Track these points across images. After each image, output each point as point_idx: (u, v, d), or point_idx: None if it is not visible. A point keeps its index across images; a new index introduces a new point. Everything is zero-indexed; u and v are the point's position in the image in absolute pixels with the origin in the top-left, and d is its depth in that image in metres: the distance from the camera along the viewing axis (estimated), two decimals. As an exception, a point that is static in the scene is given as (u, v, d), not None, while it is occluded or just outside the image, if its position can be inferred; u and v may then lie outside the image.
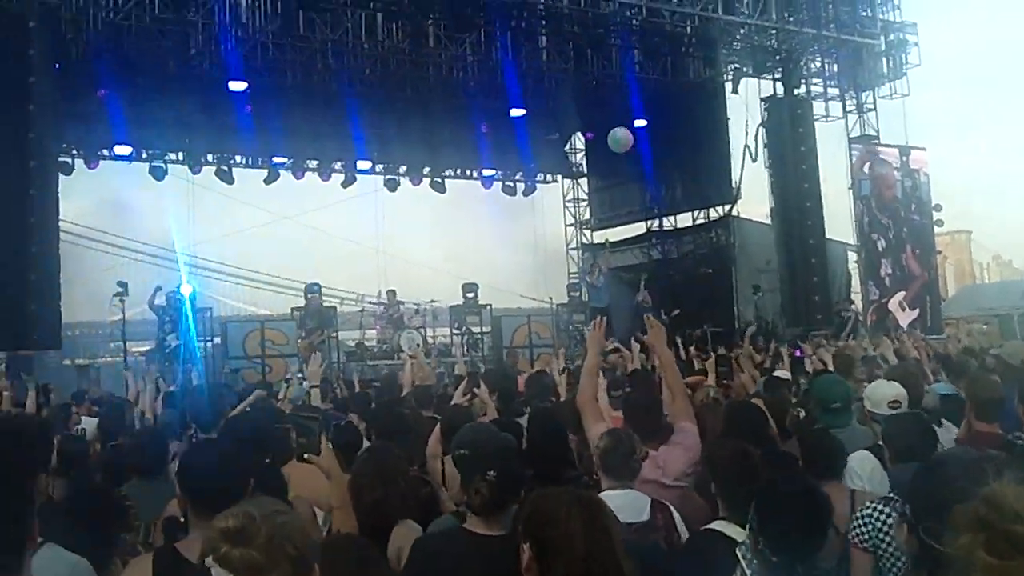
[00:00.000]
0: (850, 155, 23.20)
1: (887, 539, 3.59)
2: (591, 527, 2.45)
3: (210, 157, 21.55)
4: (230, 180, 21.75)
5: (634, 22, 19.79)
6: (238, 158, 22.11)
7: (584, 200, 27.70)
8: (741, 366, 8.27)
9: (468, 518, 3.51)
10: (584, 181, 27.57)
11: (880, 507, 3.69)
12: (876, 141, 24.05)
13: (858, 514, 3.78)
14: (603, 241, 25.82)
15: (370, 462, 4.08)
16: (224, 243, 28.73)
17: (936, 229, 25.12)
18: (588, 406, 5.16)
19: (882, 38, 23.36)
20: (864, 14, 22.50)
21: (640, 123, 22.21)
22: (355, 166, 22.96)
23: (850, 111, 24.24)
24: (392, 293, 21.19)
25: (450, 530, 3.72)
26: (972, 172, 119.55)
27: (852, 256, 23.69)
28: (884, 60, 24.06)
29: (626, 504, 3.91)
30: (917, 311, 23.23)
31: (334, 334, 19.61)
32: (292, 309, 21.51)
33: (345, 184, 23.09)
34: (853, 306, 22.62)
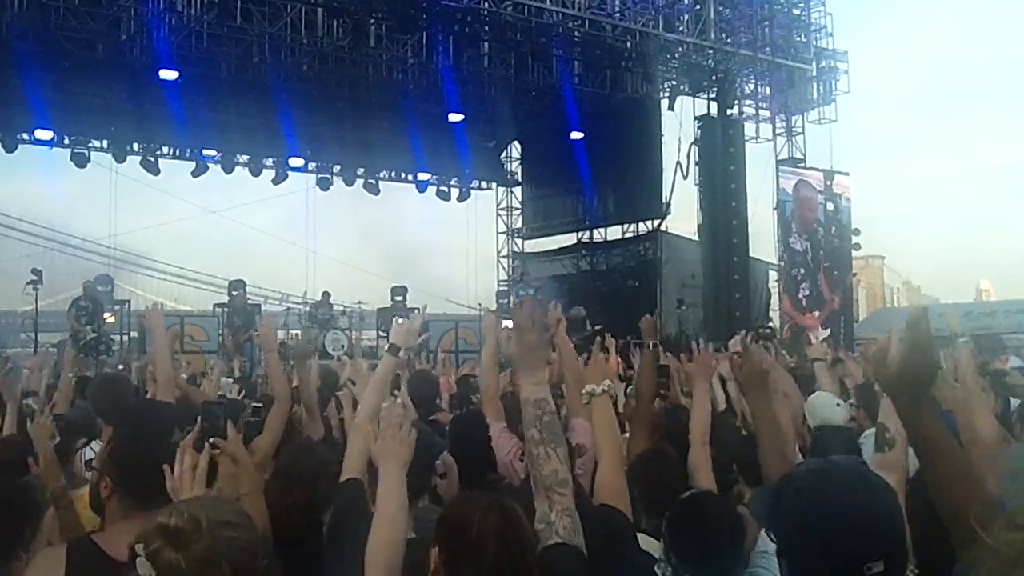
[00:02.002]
0: (777, 177, 23.57)
1: None
2: (503, 535, 2.39)
3: (136, 147, 21.01)
4: (156, 171, 21.21)
5: (576, 34, 19.87)
6: (165, 149, 21.60)
7: (517, 209, 27.71)
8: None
9: None
10: (518, 190, 27.59)
11: None
12: (803, 164, 24.49)
13: None
14: (533, 251, 25.85)
15: (297, 461, 3.98)
16: (147, 235, 28.22)
17: (853, 252, 25.67)
18: (488, 404, 5.03)
19: (814, 64, 23.83)
20: (798, 39, 22.95)
21: (576, 135, 22.38)
22: (287, 163, 22.58)
23: (779, 133, 24.64)
24: (326, 294, 20.92)
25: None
26: (889, 199, 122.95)
27: (773, 275, 24.07)
28: (815, 85, 24.57)
29: None
30: (828, 331, 23.67)
31: (257, 332, 19.26)
32: (215, 305, 21.08)
33: (276, 181, 22.70)
34: (771, 323, 23.00)
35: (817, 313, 23.87)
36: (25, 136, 19.94)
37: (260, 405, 4.98)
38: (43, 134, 19.77)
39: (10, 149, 19.71)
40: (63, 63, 18.11)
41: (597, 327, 19.89)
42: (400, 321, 4.04)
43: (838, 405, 5.61)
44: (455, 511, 2.54)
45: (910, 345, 2.12)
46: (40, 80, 18.12)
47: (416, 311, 4.48)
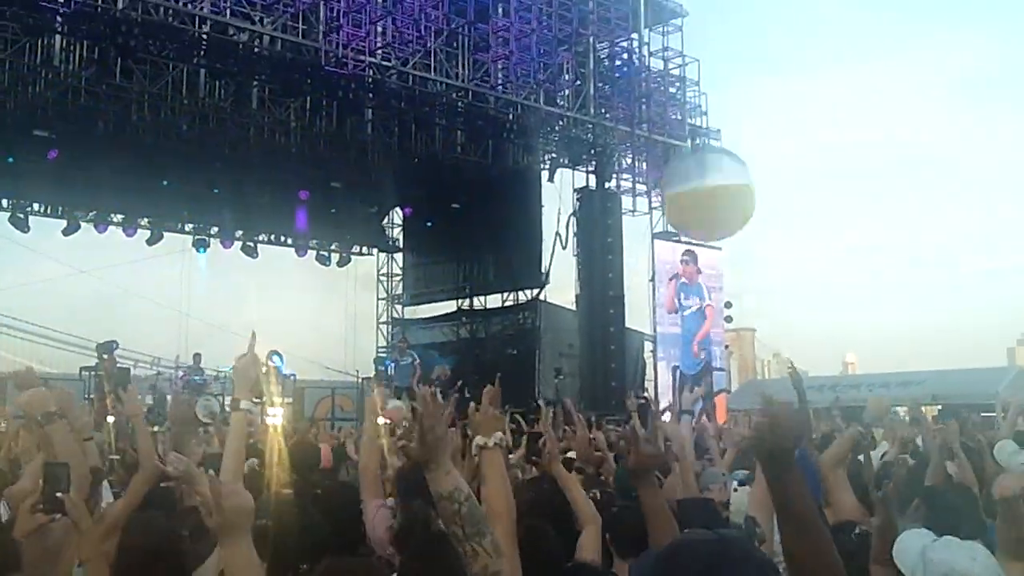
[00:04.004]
0: (652, 249, 24.19)
1: None
2: None
3: (5, 202, 20.32)
4: (25, 228, 20.50)
5: (459, 104, 20.25)
6: (36, 205, 20.91)
7: (398, 275, 27.71)
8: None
9: None
10: (399, 256, 27.62)
11: None
12: (677, 238, 25.21)
13: None
14: (414, 317, 25.83)
15: (142, 534, 3.85)
16: (11, 294, 26.97)
17: (725, 325, 26.39)
18: (367, 481, 5.00)
19: (689, 141, 24.72)
20: (674, 117, 23.83)
21: (457, 204, 22.69)
22: (163, 223, 22.12)
23: (655, 207, 25.34)
24: (197, 356, 20.41)
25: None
26: (761, 273, 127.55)
27: (648, 345, 24.55)
28: (689, 161, 25.47)
29: None
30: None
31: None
32: (81, 369, 20.34)
33: (151, 241, 22.16)
34: (646, 393, 23.40)
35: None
36: None
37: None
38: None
39: None
40: (-70, 116, 17.50)
41: (458, 383, 19.92)
42: (235, 366, 3.71)
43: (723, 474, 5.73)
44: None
45: (770, 420, 2.22)
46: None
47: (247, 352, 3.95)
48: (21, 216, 20.32)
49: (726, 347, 28.37)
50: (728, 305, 26.03)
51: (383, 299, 27.79)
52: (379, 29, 18.04)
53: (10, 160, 18.98)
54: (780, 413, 2.23)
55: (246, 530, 2.61)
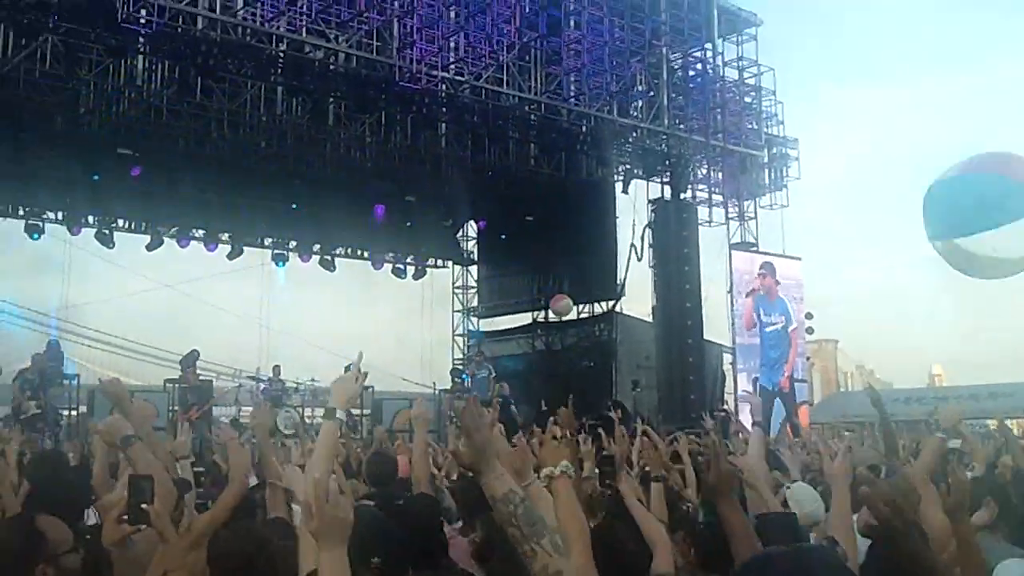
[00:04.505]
0: (730, 260, 23.91)
1: None
2: None
3: (91, 219, 20.91)
4: (111, 244, 21.09)
5: (532, 117, 20.25)
6: (121, 222, 21.50)
7: (473, 287, 27.83)
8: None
9: None
10: (474, 268, 27.74)
11: None
12: (755, 248, 24.88)
13: None
14: (489, 329, 25.90)
15: (235, 541, 3.90)
16: (99, 308, 27.70)
17: (806, 336, 25.94)
18: (419, 488, 5.17)
19: (766, 151, 24.41)
20: (750, 127, 23.53)
21: (531, 216, 22.70)
22: (243, 238, 22.58)
23: (732, 218, 25.07)
24: (277, 368, 20.70)
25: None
26: (842, 284, 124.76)
27: (727, 358, 24.25)
28: (766, 171, 25.13)
29: None
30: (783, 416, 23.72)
31: (209, 408, 19.00)
32: (165, 381, 20.76)
33: (231, 256, 22.63)
34: (726, 407, 23.10)
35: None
36: (-22, 207, 19.83)
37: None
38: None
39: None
40: (21, 135, 18.10)
41: (544, 408, 19.88)
42: (336, 380, 3.72)
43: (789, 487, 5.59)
44: None
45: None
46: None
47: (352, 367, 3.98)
48: (106, 232, 20.92)
49: (807, 359, 27.89)
50: (809, 316, 25.60)
51: (458, 311, 27.93)
52: (452, 44, 18.13)
53: (95, 178, 19.57)
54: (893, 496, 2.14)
55: (343, 539, 2.64)
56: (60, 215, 20.68)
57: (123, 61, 17.57)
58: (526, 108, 19.79)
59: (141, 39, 16.20)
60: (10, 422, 16.08)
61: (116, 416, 4.52)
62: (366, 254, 24.78)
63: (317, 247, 23.60)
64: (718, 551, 4.22)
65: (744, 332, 23.54)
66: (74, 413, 18.22)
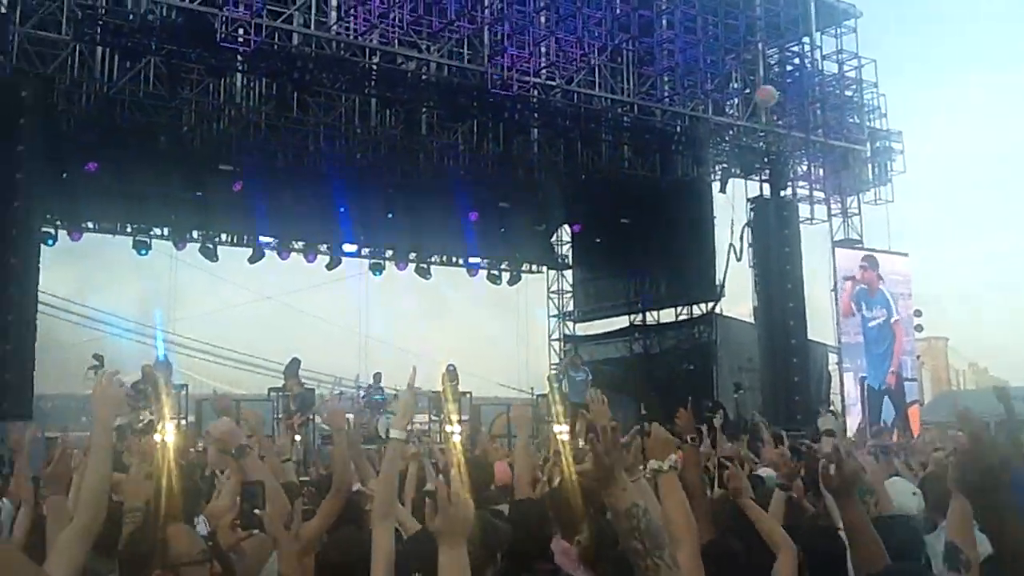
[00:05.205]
0: (833, 257, 23.34)
1: None
2: None
3: (195, 234, 21.43)
4: (214, 258, 21.61)
5: (625, 119, 20.08)
6: (223, 236, 22.00)
7: (568, 292, 27.72)
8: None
9: None
10: (569, 273, 27.63)
11: None
12: (859, 245, 24.25)
13: None
14: (585, 334, 25.74)
15: (340, 550, 3.92)
16: (203, 320, 28.44)
17: (916, 335, 25.19)
18: (519, 490, 5.22)
19: (868, 145, 23.72)
20: (852, 120, 22.89)
21: (626, 219, 22.49)
22: (341, 248, 22.90)
23: (835, 215, 24.45)
24: (378, 376, 20.94)
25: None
26: (950, 279, 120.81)
27: (832, 357, 23.69)
28: (869, 166, 24.39)
29: None
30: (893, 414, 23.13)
31: (312, 417, 19.29)
32: (269, 390, 21.19)
33: (330, 266, 22.98)
34: (832, 407, 22.58)
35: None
36: (89, 224, 20.49)
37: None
38: (106, 222, 20.51)
39: (75, 237, 20.20)
40: (127, 154, 18.66)
41: (643, 412, 19.69)
42: (399, 398, 3.95)
43: (914, 494, 5.45)
44: None
45: (971, 446, 2.01)
46: (105, 170, 18.67)
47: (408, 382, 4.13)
48: (210, 247, 21.43)
49: (917, 357, 27.07)
50: (918, 313, 24.88)
51: (554, 316, 27.84)
52: (543, 50, 18.06)
53: (199, 194, 20.09)
54: (981, 435, 2.00)
55: (464, 537, 2.73)
56: (166, 231, 21.24)
57: (222, 79, 18.04)
58: (619, 110, 19.63)
59: (239, 57, 16.55)
60: (125, 432, 16.58)
61: (230, 422, 4.58)
62: (461, 261, 24.89)
63: (413, 255, 23.81)
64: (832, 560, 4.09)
65: (850, 331, 22.98)
66: (183, 423, 18.68)
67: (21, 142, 13.97)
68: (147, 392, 16.87)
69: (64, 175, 18.38)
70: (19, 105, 14.10)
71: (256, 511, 3.78)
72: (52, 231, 19.49)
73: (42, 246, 16.11)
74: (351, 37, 16.30)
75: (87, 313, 28.31)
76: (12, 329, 13.62)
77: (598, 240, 25.50)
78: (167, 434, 4.61)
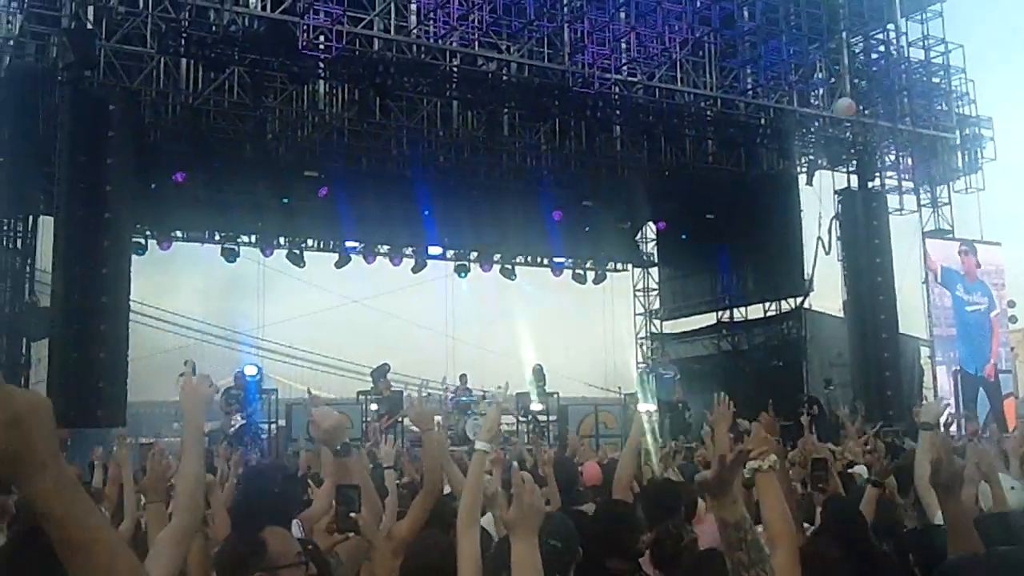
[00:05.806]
0: (924, 249, 22.76)
1: None
2: None
3: (282, 240, 21.80)
4: (301, 263, 21.94)
5: (708, 113, 19.80)
6: (310, 241, 22.34)
7: (654, 290, 27.49)
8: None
9: None
10: (654, 270, 27.40)
11: None
12: (951, 236, 23.61)
13: None
14: (672, 332, 25.47)
15: (425, 553, 3.92)
16: (291, 326, 28.95)
17: (1010, 326, 24.44)
18: (619, 487, 5.27)
19: (957, 132, 23.07)
20: (939, 108, 22.28)
21: (711, 215, 22.22)
22: (426, 251, 23.07)
23: (924, 205, 23.86)
24: (464, 377, 21.02)
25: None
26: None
27: (924, 351, 23.10)
28: (959, 154, 23.73)
29: None
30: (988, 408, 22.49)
31: (401, 419, 19.45)
32: (358, 393, 21.43)
33: (415, 269, 23.18)
34: (924, 402, 22.00)
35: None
36: (178, 233, 20.97)
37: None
38: (195, 231, 21.04)
39: (164, 246, 20.68)
40: (213, 163, 19.06)
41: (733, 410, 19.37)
42: (483, 416, 3.95)
43: (1012, 488, 5.26)
44: None
45: None
46: (192, 179, 19.10)
47: (495, 398, 4.34)
48: (297, 252, 21.77)
49: (1011, 349, 26.24)
50: (1012, 304, 24.15)
51: (640, 314, 27.64)
52: (623, 46, 17.92)
53: (285, 201, 20.41)
54: None
55: (535, 529, 2.80)
56: (253, 238, 21.64)
57: (305, 87, 18.30)
58: (702, 104, 19.39)
59: (321, 64, 16.75)
60: (217, 436, 16.97)
61: (337, 414, 4.53)
62: (545, 261, 24.88)
63: (497, 256, 23.87)
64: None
65: (942, 322, 22.43)
66: (273, 427, 19.01)
67: (110, 155, 14.23)
68: (240, 397, 17.27)
69: (152, 186, 18.76)
70: (107, 119, 14.38)
71: (352, 514, 3.78)
72: (142, 241, 19.94)
73: (132, 256, 16.48)
74: (431, 40, 16.37)
75: (178, 321, 29.08)
76: (105, 338, 13.91)
77: (683, 236, 25.25)
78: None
